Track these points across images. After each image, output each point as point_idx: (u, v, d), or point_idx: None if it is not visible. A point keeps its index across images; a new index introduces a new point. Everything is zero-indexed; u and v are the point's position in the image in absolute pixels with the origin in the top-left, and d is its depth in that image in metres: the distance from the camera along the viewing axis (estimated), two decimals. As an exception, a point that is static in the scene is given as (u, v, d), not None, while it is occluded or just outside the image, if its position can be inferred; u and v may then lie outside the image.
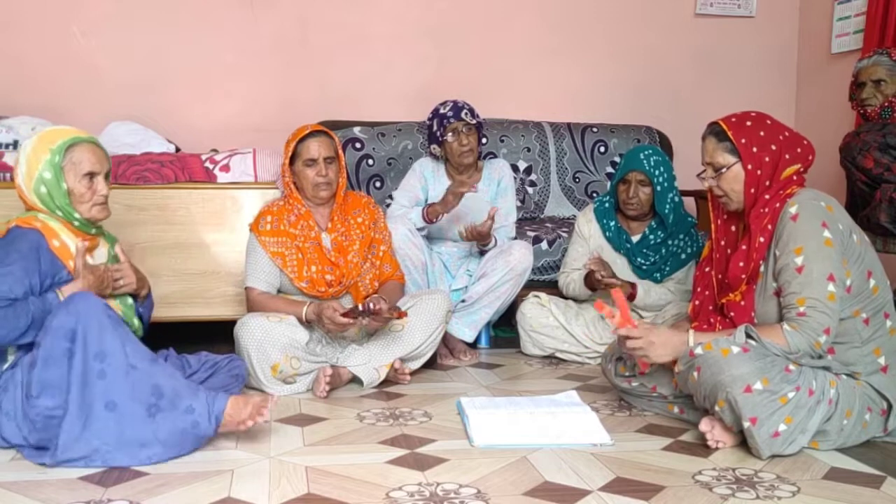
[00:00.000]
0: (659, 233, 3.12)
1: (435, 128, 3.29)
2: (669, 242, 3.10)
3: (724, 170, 2.18)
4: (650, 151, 3.08)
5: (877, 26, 3.78)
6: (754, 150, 2.15)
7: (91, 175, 2.23)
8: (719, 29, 4.50)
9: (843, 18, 4.16)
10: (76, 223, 2.23)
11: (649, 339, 2.16)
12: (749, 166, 2.15)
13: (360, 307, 2.60)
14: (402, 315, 2.68)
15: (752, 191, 2.16)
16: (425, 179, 3.37)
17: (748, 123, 2.18)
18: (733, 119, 2.20)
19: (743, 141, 2.16)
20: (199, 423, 2.02)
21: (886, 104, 3.04)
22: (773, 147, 2.16)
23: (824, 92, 4.28)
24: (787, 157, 2.16)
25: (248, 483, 1.87)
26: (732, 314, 2.23)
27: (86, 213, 2.23)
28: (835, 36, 4.21)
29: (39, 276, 2.12)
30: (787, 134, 2.19)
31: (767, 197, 2.16)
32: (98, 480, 1.89)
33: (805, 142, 2.21)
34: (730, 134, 2.17)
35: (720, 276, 2.29)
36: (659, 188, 3.05)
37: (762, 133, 2.17)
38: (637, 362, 2.27)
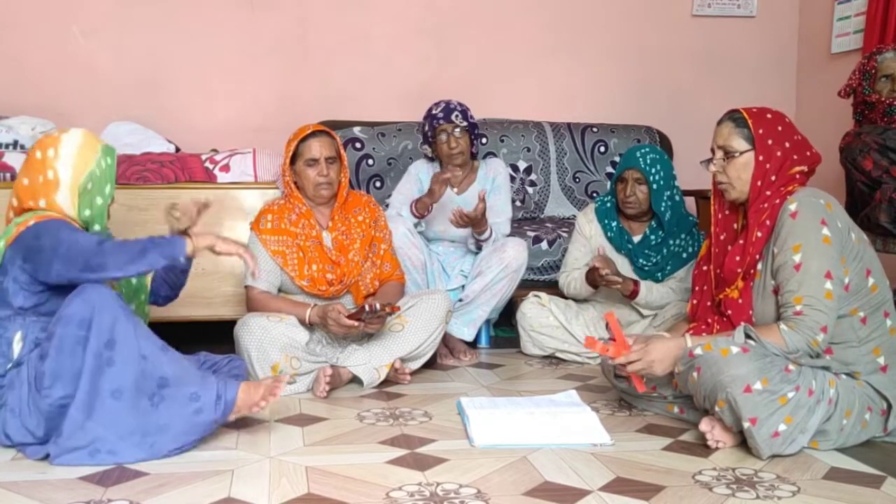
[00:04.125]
0: (660, 233, 3.11)
1: (426, 128, 3.29)
2: (670, 242, 3.10)
3: (736, 155, 2.19)
4: (647, 150, 3.07)
5: (877, 26, 3.78)
6: (769, 142, 2.17)
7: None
8: (719, 29, 4.50)
9: (843, 18, 4.16)
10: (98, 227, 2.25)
11: (649, 359, 2.16)
12: (760, 157, 2.16)
13: (367, 307, 2.60)
14: (394, 309, 2.68)
15: (759, 184, 2.17)
16: (421, 182, 3.36)
17: (768, 116, 2.21)
18: (754, 110, 2.22)
19: (760, 131, 2.17)
20: (202, 409, 2.02)
21: (894, 102, 3.01)
22: (787, 145, 2.17)
23: (824, 92, 4.28)
24: (795, 157, 2.18)
25: (248, 483, 1.87)
26: (730, 312, 2.23)
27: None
28: (835, 36, 4.21)
29: None
30: (798, 137, 2.21)
31: (769, 193, 2.17)
32: (98, 480, 1.89)
33: (814, 149, 2.22)
34: (749, 122, 2.19)
35: (718, 271, 2.30)
36: (655, 186, 3.04)
37: (779, 128, 2.19)
38: (634, 381, 2.25)
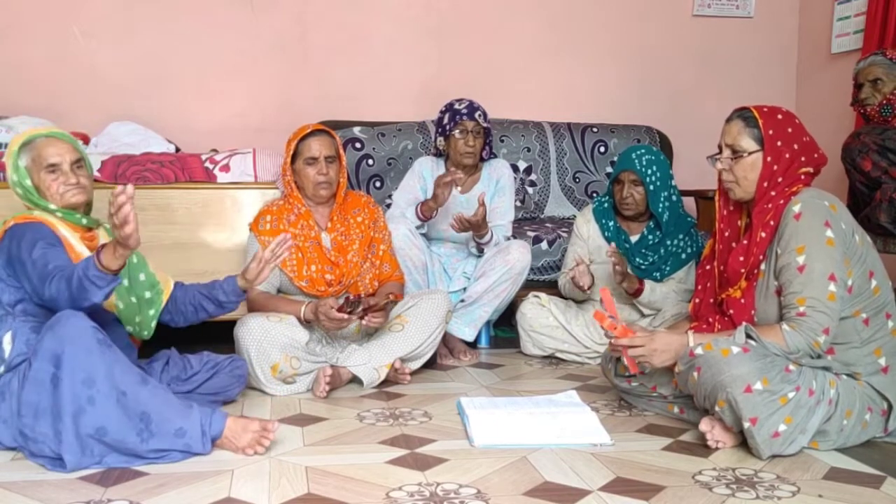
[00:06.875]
0: (657, 233, 3.11)
1: (446, 120, 3.27)
2: (668, 242, 3.10)
3: (744, 155, 2.17)
4: (643, 151, 3.06)
5: (877, 26, 3.79)
6: (778, 143, 2.14)
7: (53, 167, 2.21)
8: (719, 29, 4.50)
9: (843, 18, 4.16)
10: (59, 214, 2.21)
11: (651, 346, 2.16)
12: (768, 158, 2.14)
13: (351, 297, 2.60)
14: (398, 297, 2.69)
15: (765, 184, 2.16)
16: (424, 179, 3.36)
17: (779, 117, 2.17)
18: (765, 109, 2.19)
19: (770, 132, 2.15)
20: (190, 445, 2.01)
21: (885, 102, 3.04)
22: (796, 146, 2.15)
23: (824, 92, 4.28)
24: (803, 158, 2.16)
25: (248, 483, 1.87)
26: (732, 312, 2.23)
27: (59, 201, 2.21)
28: (835, 36, 4.21)
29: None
30: (807, 138, 2.19)
31: (773, 193, 2.15)
32: (98, 480, 1.89)
33: (820, 151, 2.21)
34: (760, 122, 2.16)
35: (721, 268, 2.29)
36: (652, 187, 3.04)
37: (789, 130, 2.16)
38: (627, 361, 2.25)
